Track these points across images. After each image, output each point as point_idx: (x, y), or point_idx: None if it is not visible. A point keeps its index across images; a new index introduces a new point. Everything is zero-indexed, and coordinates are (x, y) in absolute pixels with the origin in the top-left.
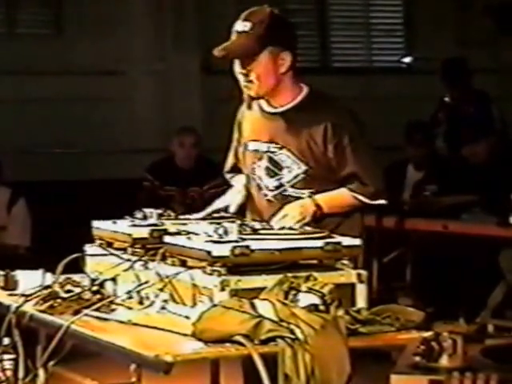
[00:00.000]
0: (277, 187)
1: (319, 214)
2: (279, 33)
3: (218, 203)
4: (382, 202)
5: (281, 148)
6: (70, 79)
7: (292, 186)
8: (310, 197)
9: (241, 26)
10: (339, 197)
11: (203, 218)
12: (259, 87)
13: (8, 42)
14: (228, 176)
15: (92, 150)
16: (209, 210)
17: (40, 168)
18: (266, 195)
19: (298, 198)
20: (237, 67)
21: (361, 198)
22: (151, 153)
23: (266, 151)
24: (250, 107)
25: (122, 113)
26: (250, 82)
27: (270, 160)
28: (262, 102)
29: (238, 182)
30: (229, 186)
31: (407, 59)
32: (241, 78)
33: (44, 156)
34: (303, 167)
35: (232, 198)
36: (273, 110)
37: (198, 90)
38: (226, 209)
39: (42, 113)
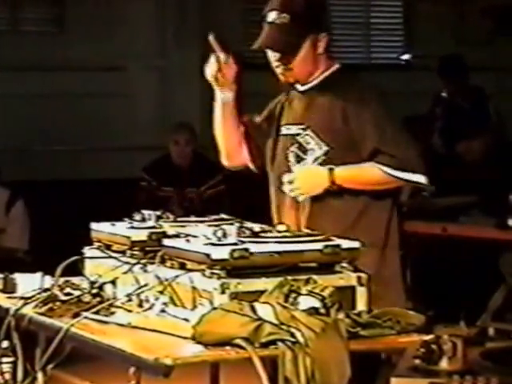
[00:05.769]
0: None
1: (335, 188)
2: (316, 18)
3: None
4: (419, 177)
5: (305, 129)
6: (70, 76)
7: None
8: (330, 169)
9: (278, 17)
10: (362, 169)
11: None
12: (298, 73)
13: (11, 39)
14: None
15: (93, 148)
16: None
17: (39, 167)
18: None
19: None
20: (273, 56)
21: (385, 168)
22: (156, 150)
23: (295, 134)
24: (287, 94)
25: (124, 110)
26: (289, 69)
27: (298, 144)
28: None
29: None
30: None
31: (406, 56)
32: (278, 66)
33: (43, 154)
34: (324, 148)
35: None
36: (303, 88)
37: (199, 86)
38: None
39: (41, 109)
